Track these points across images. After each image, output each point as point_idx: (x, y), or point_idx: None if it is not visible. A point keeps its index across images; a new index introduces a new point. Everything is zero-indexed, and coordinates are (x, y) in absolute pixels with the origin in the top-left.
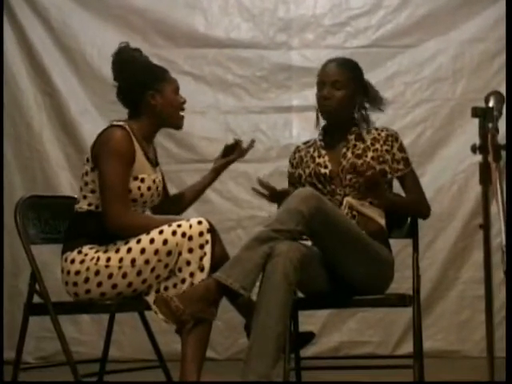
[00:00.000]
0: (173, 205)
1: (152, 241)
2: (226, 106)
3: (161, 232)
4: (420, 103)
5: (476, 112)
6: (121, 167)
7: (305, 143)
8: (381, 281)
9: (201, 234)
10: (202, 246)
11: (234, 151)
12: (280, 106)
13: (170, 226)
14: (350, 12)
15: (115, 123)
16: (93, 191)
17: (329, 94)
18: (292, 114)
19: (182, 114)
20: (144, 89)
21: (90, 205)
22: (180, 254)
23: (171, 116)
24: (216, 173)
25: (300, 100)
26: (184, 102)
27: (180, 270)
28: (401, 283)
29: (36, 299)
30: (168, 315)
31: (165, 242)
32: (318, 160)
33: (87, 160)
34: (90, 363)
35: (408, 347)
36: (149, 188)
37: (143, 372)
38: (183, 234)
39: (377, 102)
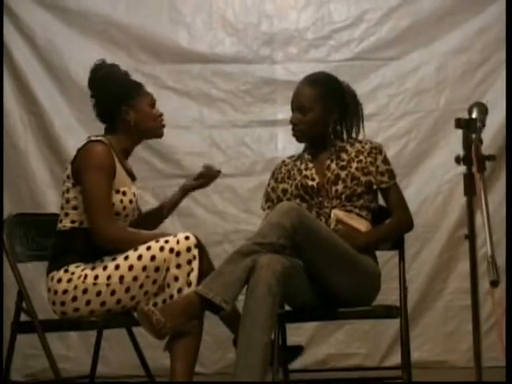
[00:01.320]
0: (147, 221)
1: (140, 257)
2: (211, 121)
3: (148, 248)
4: (404, 115)
5: (460, 123)
6: (103, 180)
7: (290, 157)
8: (367, 292)
9: (188, 249)
10: (189, 262)
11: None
12: (265, 120)
13: (157, 241)
14: (333, 26)
15: (93, 138)
16: (75, 208)
17: (295, 119)
18: (277, 127)
19: (159, 124)
20: (118, 105)
21: (73, 222)
22: (168, 269)
23: (148, 129)
24: (183, 192)
25: (285, 113)
26: (160, 115)
27: (168, 285)
28: (388, 295)
29: (23, 317)
30: (149, 328)
31: (153, 258)
32: (304, 172)
33: (67, 177)
34: (78, 379)
35: (395, 358)
36: (130, 201)
37: None
38: (171, 250)
39: (355, 113)
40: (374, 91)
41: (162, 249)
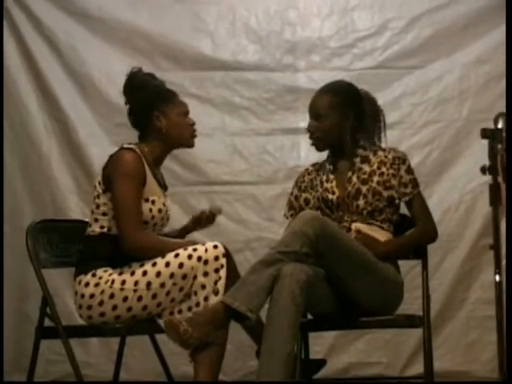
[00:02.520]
0: None
1: (167, 264)
2: (233, 128)
3: (176, 255)
4: (427, 124)
5: (485, 133)
6: (133, 188)
7: (313, 165)
8: (389, 301)
9: (216, 258)
10: (217, 270)
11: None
12: (287, 128)
13: (185, 249)
14: (356, 34)
15: (126, 146)
16: (104, 214)
17: (311, 127)
18: (299, 135)
19: (191, 133)
20: (150, 111)
21: (102, 227)
22: (195, 277)
23: (179, 137)
24: (185, 232)
25: (307, 122)
26: (192, 125)
27: (195, 293)
28: (410, 304)
29: (46, 323)
30: (176, 338)
31: (180, 265)
32: (325, 185)
33: (98, 183)
34: None
35: (417, 368)
36: (159, 210)
37: None
38: (199, 258)
39: (375, 121)
40: (397, 100)
41: (190, 257)
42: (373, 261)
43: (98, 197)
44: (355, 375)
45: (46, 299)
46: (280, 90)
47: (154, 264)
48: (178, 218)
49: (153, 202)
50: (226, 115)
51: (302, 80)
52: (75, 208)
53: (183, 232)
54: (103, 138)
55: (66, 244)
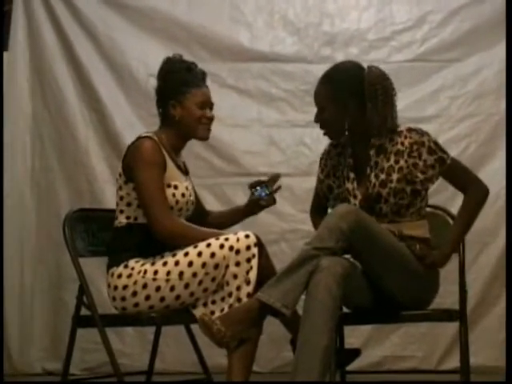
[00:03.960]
0: (213, 222)
1: (199, 254)
2: (270, 120)
3: (208, 245)
4: (464, 118)
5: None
6: (155, 175)
7: (335, 146)
8: (425, 295)
9: (248, 247)
10: (248, 260)
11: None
12: None
13: (217, 239)
14: (395, 27)
15: (143, 134)
16: (129, 204)
17: (316, 119)
18: None
19: (203, 126)
20: (167, 98)
21: (128, 218)
22: (227, 267)
23: (189, 128)
24: (248, 210)
25: None
26: (207, 118)
27: (227, 283)
28: (445, 298)
29: (82, 312)
30: (210, 337)
31: (212, 255)
32: (347, 185)
33: (119, 175)
34: (135, 375)
35: (452, 362)
36: (183, 195)
37: None
38: (231, 248)
39: (384, 99)
40: (435, 93)
41: (221, 246)
42: (408, 254)
43: (121, 188)
44: (390, 368)
45: (83, 288)
46: (317, 81)
47: (186, 254)
48: (215, 209)
49: (175, 187)
50: (263, 107)
51: None
52: (111, 197)
53: (240, 213)
54: (140, 128)
55: (103, 233)
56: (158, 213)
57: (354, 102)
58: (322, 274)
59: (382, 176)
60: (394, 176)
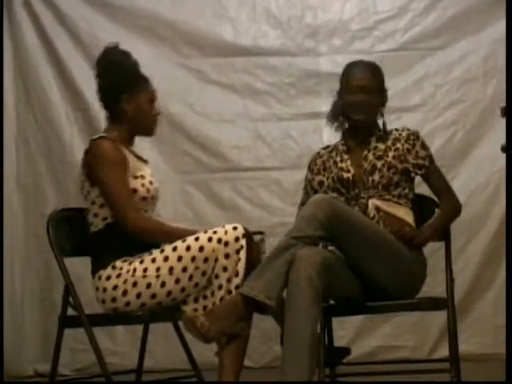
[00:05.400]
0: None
1: (188, 248)
2: (256, 114)
3: (197, 239)
4: (450, 105)
5: (504, 112)
6: (118, 173)
7: (324, 148)
8: (410, 281)
9: (236, 239)
10: (237, 251)
11: None
12: (310, 112)
13: (205, 232)
14: (377, 16)
15: (94, 137)
16: (102, 205)
17: (360, 98)
18: (322, 119)
19: (153, 123)
20: (120, 92)
21: (105, 219)
22: (217, 260)
23: (145, 125)
24: None
25: (329, 105)
26: (157, 114)
27: (217, 276)
28: (433, 287)
29: (70, 312)
30: (194, 333)
31: (201, 248)
32: (340, 164)
33: (83, 181)
34: (125, 374)
35: (444, 351)
36: (151, 182)
37: (179, 382)
38: (219, 240)
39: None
40: (419, 81)
41: (210, 239)
42: (390, 238)
43: (89, 193)
44: (382, 359)
45: (69, 288)
46: (302, 74)
47: (175, 249)
48: (202, 205)
49: (142, 177)
50: (248, 101)
51: (323, 64)
52: None
53: None
54: None
55: (88, 232)
56: (127, 210)
57: (385, 93)
58: (301, 264)
59: (379, 153)
60: (390, 153)
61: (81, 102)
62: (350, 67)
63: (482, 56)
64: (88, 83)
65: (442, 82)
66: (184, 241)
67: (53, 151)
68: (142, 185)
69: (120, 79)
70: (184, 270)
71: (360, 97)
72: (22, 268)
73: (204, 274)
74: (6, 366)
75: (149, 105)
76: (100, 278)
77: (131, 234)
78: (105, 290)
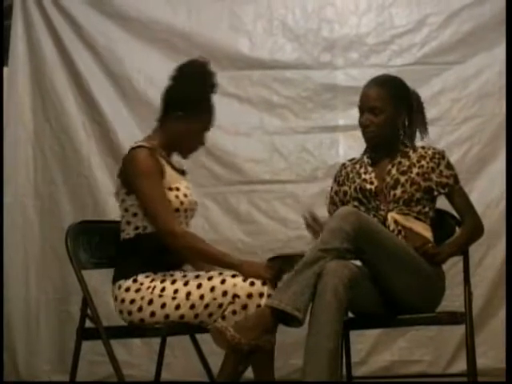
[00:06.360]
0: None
1: (210, 278)
2: (272, 127)
3: (220, 273)
4: (467, 119)
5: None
6: (156, 183)
7: (350, 160)
8: (431, 295)
9: (261, 294)
10: (261, 295)
11: None
12: (326, 126)
13: (233, 276)
14: (394, 30)
15: (134, 145)
16: (135, 214)
17: (367, 120)
18: (338, 133)
19: (193, 151)
20: (179, 108)
21: (136, 228)
22: (238, 296)
23: (185, 149)
24: None
25: (346, 119)
26: (202, 144)
27: (234, 312)
28: (451, 301)
29: (88, 324)
30: (224, 345)
31: (222, 281)
32: (364, 176)
33: (118, 188)
34: None
35: (461, 365)
36: (185, 195)
37: None
38: (244, 279)
39: (420, 119)
40: (436, 96)
41: (233, 276)
42: (412, 253)
43: (124, 201)
44: (398, 373)
45: (87, 300)
46: (318, 87)
47: (197, 276)
48: (218, 218)
49: (177, 189)
50: (265, 114)
51: (339, 78)
52: (114, 209)
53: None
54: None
55: (107, 245)
56: (166, 220)
57: (405, 109)
58: (328, 277)
59: (403, 168)
60: (414, 170)
61: (97, 115)
62: (364, 86)
63: (497, 71)
64: (104, 96)
65: (459, 97)
66: (210, 278)
67: (69, 163)
68: (176, 196)
69: (187, 97)
70: (201, 297)
71: (364, 118)
72: (38, 278)
73: (220, 306)
74: (21, 377)
75: (199, 134)
76: (120, 287)
77: (171, 245)
78: (123, 301)
